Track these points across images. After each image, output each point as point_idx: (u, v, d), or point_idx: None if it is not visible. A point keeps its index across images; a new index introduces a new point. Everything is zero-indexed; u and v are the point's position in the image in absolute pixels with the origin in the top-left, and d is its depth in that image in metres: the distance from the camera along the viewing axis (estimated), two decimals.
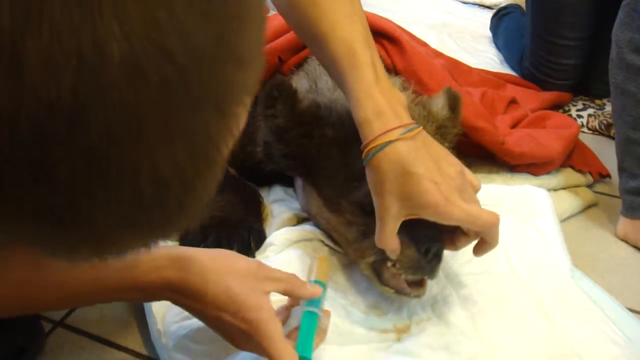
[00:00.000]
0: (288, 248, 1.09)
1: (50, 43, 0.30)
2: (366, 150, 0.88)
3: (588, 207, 1.40)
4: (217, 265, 0.81)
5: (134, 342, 0.99)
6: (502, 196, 1.23)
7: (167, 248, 0.83)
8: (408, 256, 0.92)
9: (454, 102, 1.14)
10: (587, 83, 1.93)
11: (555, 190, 1.39)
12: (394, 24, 1.44)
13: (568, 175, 1.42)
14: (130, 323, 1.02)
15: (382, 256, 0.94)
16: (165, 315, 0.96)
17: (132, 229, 0.39)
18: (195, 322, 0.92)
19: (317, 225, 1.14)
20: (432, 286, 1.04)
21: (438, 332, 0.96)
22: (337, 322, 0.96)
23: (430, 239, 0.92)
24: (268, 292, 0.83)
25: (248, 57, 0.38)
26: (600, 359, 0.94)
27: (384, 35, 1.35)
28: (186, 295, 0.80)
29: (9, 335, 0.91)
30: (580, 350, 0.94)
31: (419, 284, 0.97)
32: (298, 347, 0.83)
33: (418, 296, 0.97)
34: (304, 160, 1.06)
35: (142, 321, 1.02)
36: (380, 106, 0.87)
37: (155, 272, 0.78)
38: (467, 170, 0.94)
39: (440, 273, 1.05)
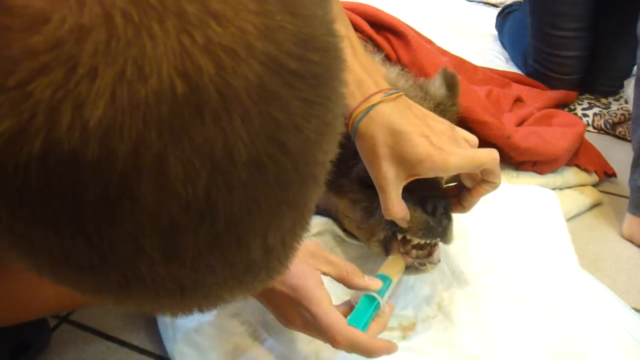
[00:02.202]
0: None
1: (190, 152, 0.33)
2: (351, 120, 0.88)
3: (594, 207, 1.40)
4: None
5: (139, 338, 0.99)
6: (509, 196, 1.22)
7: None
8: (416, 219, 0.91)
9: (451, 81, 1.14)
10: (592, 80, 1.92)
11: (561, 189, 1.39)
12: (398, 19, 1.43)
13: (574, 175, 1.41)
14: (135, 319, 1.02)
15: (392, 230, 0.94)
16: None
17: (239, 288, 0.44)
18: (204, 316, 0.93)
19: (326, 215, 1.13)
20: (438, 284, 1.04)
21: (444, 330, 0.96)
22: None
23: (434, 197, 0.91)
24: (320, 271, 0.82)
25: (337, 125, 0.42)
26: (606, 359, 0.93)
27: (388, 29, 1.35)
28: None
29: (14, 331, 0.91)
30: (586, 350, 0.93)
31: (428, 255, 0.96)
32: (349, 319, 0.80)
33: (427, 266, 0.95)
34: None
35: (147, 317, 1.02)
36: (360, 76, 0.88)
37: None
38: (459, 128, 0.93)
39: (447, 270, 1.05)
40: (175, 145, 0.33)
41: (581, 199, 1.38)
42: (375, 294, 0.84)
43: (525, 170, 1.38)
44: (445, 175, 0.90)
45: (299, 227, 0.43)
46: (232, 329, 0.92)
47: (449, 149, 0.85)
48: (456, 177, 0.97)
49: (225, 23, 0.33)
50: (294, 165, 0.38)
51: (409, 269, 0.96)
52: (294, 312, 0.81)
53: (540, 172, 1.38)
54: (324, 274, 0.83)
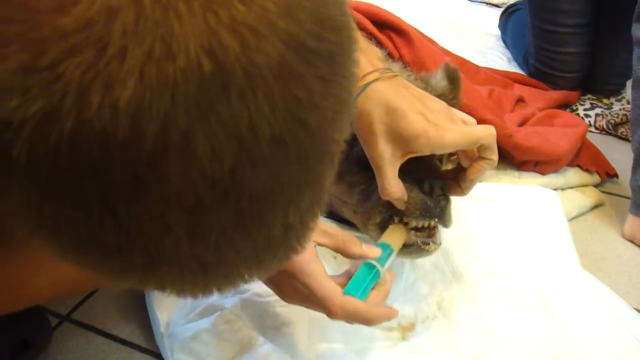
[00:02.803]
0: None
1: (216, 129, 0.34)
2: None
3: (595, 207, 1.39)
4: None
5: (140, 337, 0.99)
6: (511, 196, 1.22)
7: None
8: (413, 199, 0.90)
9: (452, 75, 1.13)
10: (593, 80, 1.92)
11: (562, 189, 1.39)
12: (401, 18, 1.43)
13: (576, 175, 1.41)
14: (136, 318, 1.03)
15: (388, 212, 0.93)
16: (171, 317, 0.97)
17: (258, 267, 0.44)
18: (200, 323, 0.93)
19: (329, 208, 1.13)
20: (438, 284, 1.03)
21: (444, 331, 0.95)
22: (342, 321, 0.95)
23: (431, 177, 0.91)
24: (316, 242, 0.81)
25: (350, 104, 0.43)
26: (607, 359, 0.93)
27: (390, 27, 1.34)
28: None
29: (15, 330, 0.91)
30: (587, 350, 0.93)
31: (430, 235, 0.95)
32: (346, 288, 0.78)
33: (430, 246, 0.94)
34: None
35: (147, 316, 1.02)
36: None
37: None
38: (456, 110, 0.93)
39: (447, 271, 1.05)
40: (202, 122, 0.34)
41: (583, 199, 1.38)
42: (374, 262, 0.82)
43: (527, 170, 1.38)
44: (442, 152, 0.89)
45: (316, 205, 0.44)
46: (230, 336, 0.91)
47: (445, 126, 0.85)
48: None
49: (248, 2, 0.34)
50: (313, 142, 0.39)
51: (412, 248, 0.94)
52: (289, 286, 0.81)
53: (542, 173, 1.38)
54: (320, 245, 0.82)
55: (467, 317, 0.97)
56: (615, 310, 1.02)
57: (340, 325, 0.93)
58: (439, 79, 1.12)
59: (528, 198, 1.22)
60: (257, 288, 0.97)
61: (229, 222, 0.38)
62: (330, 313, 0.76)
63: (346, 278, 0.82)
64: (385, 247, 0.87)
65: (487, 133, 0.87)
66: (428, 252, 0.95)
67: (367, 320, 0.78)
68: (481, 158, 0.90)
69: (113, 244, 0.37)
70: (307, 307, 0.82)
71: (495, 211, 1.17)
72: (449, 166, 1.05)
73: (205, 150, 0.34)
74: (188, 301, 0.97)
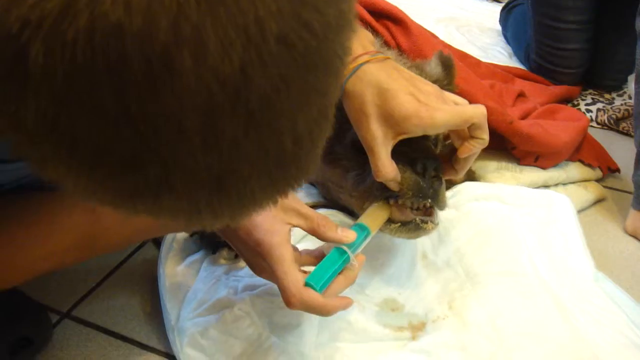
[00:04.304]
0: (302, 241, 1.07)
1: (226, 23, 0.35)
2: None
3: (597, 202, 1.39)
4: None
5: (140, 333, 0.99)
6: (525, 198, 1.20)
7: None
8: (406, 180, 0.90)
9: (446, 62, 1.14)
10: (595, 75, 1.92)
11: (564, 184, 1.38)
12: (397, 7, 1.43)
13: (578, 170, 1.41)
14: (137, 314, 1.02)
15: (383, 195, 0.93)
16: (180, 312, 0.96)
17: (271, 186, 0.45)
18: (209, 319, 0.92)
19: (327, 194, 1.14)
20: (450, 283, 1.02)
21: (455, 331, 0.94)
22: (351, 319, 0.94)
23: (423, 157, 0.91)
24: (290, 225, 0.82)
25: (351, 19, 0.44)
26: None
27: (387, 17, 1.34)
28: None
29: (16, 327, 0.91)
30: (601, 353, 0.91)
31: (427, 214, 0.95)
32: (310, 276, 0.79)
33: (428, 225, 0.94)
34: None
35: (148, 312, 1.02)
36: None
37: None
38: (449, 92, 0.93)
39: (460, 270, 1.04)
40: (212, 15, 0.35)
41: (585, 194, 1.37)
42: (345, 247, 0.82)
43: (528, 164, 1.37)
44: (433, 132, 0.90)
45: (323, 119, 0.45)
46: (238, 333, 0.91)
47: (436, 106, 0.86)
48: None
49: None
50: (318, 48, 0.40)
51: (410, 226, 0.94)
52: (259, 265, 0.82)
53: (543, 167, 1.37)
54: (295, 226, 0.83)
55: (479, 318, 0.96)
56: (631, 313, 1.00)
57: (349, 324, 0.93)
58: (433, 66, 1.12)
59: (542, 202, 1.20)
60: (267, 286, 0.96)
61: (241, 127, 0.39)
62: (288, 304, 0.77)
63: (317, 258, 0.84)
64: (362, 229, 0.87)
65: (477, 112, 0.88)
66: (426, 231, 0.95)
67: (323, 313, 0.80)
68: (472, 137, 0.90)
69: (129, 153, 0.38)
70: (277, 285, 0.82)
71: (509, 212, 1.16)
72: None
73: (215, 46, 0.35)
74: (198, 295, 0.97)
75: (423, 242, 1.08)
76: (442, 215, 0.98)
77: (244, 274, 1.00)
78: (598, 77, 1.92)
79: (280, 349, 0.89)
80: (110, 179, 0.40)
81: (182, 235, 1.09)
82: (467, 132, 0.90)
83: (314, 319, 0.92)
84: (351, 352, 0.90)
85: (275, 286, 0.93)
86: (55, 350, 0.96)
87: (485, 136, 0.90)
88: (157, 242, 1.14)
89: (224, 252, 1.05)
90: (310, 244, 0.96)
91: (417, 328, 0.95)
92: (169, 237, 1.07)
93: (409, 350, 0.91)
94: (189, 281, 1.02)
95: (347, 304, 0.83)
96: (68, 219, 0.76)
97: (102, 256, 1.11)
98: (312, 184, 1.20)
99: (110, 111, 0.36)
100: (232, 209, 0.45)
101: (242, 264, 1.03)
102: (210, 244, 1.06)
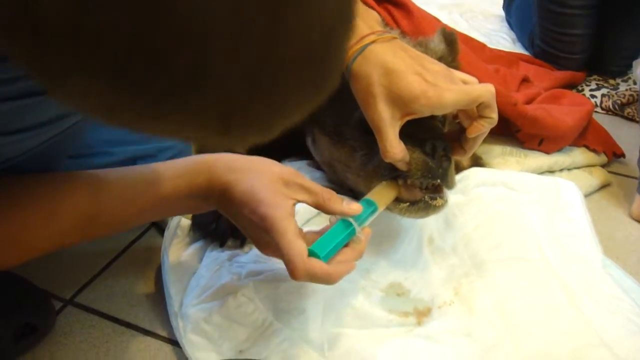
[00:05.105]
0: (307, 224, 1.06)
1: None
2: (345, 60, 0.87)
3: (603, 187, 1.39)
4: (248, 165, 0.82)
5: (144, 319, 0.99)
6: (532, 185, 1.19)
7: (195, 156, 0.85)
8: (415, 160, 0.90)
9: (449, 38, 1.13)
10: (600, 61, 1.91)
11: (569, 169, 1.38)
12: None
13: (582, 155, 1.40)
14: (140, 301, 1.02)
15: (391, 175, 0.93)
16: (184, 298, 0.96)
17: (299, 88, 0.44)
18: (212, 305, 0.92)
19: (333, 175, 1.14)
20: (456, 269, 1.01)
21: (460, 317, 0.93)
22: (356, 305, 0.94)
23: (433, 138, 0.90)
24: (295, 200, 0.81)
25: None
26: (629, 349, 0.90)
27: (389, 1, 1.33)
28: (218, 197, 0.81)
29: (19, 314, 0.91)
30: (609, 340, 0.91)
31: (436, 191, 0.94)
32: (314, 244, 0.78)
33: (437, 201, 0.93)
34: None
35: (151, 299, 1.02)
36: None
37: (181, 178, 0.81)
38: (457, 71, 0.93)
39: (466, 256, 1.03)
40: None
41: (590, 179, 1.37)
42: (351, 219, 0.81)
43: (531, 148, 1.37)
44: (441, 112, 0.89)
45: (346, 20, 0.45)
46: (242, 319, 0.90)
47: (444, 85, 0.85)
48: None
49: None
50: None
51: (419, 205, 0.93)
52: (264, 240, 0.82)
53: (547, 151, 1.37)
54: (299, 201, 0.82)
55: (485, 304, 0.95)
56: (638, 299, 0.99)
57: (354, 310, 0.93)
58: (437, 43, 1.12)
59: (550, 188, 1.19)
60: (271, 272, 0.96)
61: (269, 15, 0.38)
62: (293, 275, 0.76)
63: (320, 234, 0.82)
64: (370, 204, 0.86)
65: (485, 90, 0.87)
66: (435, 208, 0.94)
67: (328, 281, 0.78)
68: (481, 117, 0.90)
69: (158, 44, 0.37)
70: (281, 259, 0.81)
71: (516, 198, 1.15)
72: None
73: None
74: (201, 282, 0.96)
75: (430, 227, 1.08)
76: (449, 200, 0.97)
77: (248, 259, 1.00)
78: (603, 62, 1.92)
79: (285, 335, 0.89)
80: (138, 80, 0.39)
81: (186, 222, 1.08)
82: (475, 111, 0.90)
83: (319, 304, 0.92)
84: (356, 338, 0.90)
85: (279, 272, 0.92)
86: (59, 337, 0.95)
87: (494, 115, 0.89)
88: (161, 229, 1.14)
89: (229, 242, 1.05)
90: (316, 228, 0.95)
91: (422, 314, 0.95)
92: (173, 224, 1.07)
93: (414, 336, 0.91)
94: (192, 268, 1.01)
95: (350, 268, 0.81)
96: (69, 198, 0.76)
97: (105, 242, 1.11)
98: (318, 168, 1.19)
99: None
100: (261, 114, 0.44)
101: (246, 249, 1.03)
102: (217, 236, 1.05)
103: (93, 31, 0.36)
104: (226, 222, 1.03)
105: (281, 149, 1.24)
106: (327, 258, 0.78)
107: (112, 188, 0.80)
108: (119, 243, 1.14)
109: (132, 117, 0.42)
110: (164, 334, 0.96)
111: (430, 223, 1.07)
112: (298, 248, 0.76)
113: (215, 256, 1.02)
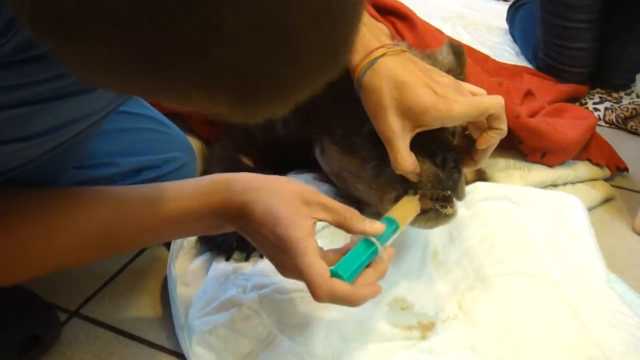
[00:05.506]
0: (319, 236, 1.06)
1: None
2: (356, 74, 0.88)
3: (606, 201, 1.38)
4: (267, 184, 0.81)
5: (149, 332, 0.99)
6: (536, 199, 1.20)
7: (214, 175, 0.84)
8: (426, 172, 0.91)
9: (457, 50, 1.14)
10: (603, 74, 1.91)
11: (572, 183, 1.38)
12: (403, 3, 1.43)
13: (586, 169, 1.40)
14: (145, 313, 1.02)
15: (403, 187, 0.93)
16: (189, 310, 0.96)
17: (319, 47, 0.44)
18: (218, 317, 0.92)
19: (342, 186, 1.13)
20: (460, 283, 1.02)
21: (464, 332, 0.93)
22: (361, 319, 0.94)
23: (443, 150, 0.91)
24: (315, 219, 0.79)
25: None
26: None
27: (393, 13, 1.34)
28: (236, 217, 0.80)
29: (24, 325, 0.91)
30: (612, 355, 0.90)
31: (446, 200, 0.94)
32: (336, 265, 0.76)
33: (448, 209, 0.94)
34: (318, 113, 1.05)
35: (156, 311, 1.02)
36: (362, 33, 0.89)
37: (197, 198, 0.80)
38: (465, 83, 0.93)
39: (470, 270, 1.03)
40: None
41: (593, 193, 1.37)
42: (373, 239, 0.80)
43: (534, 161, 1.37)
44: (451, 124, 0.90)
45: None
46: (247, 331, 0.91)
47: (454, 98, 0.86)
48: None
49: None
50: None
51: (429, 214, 0.94)
52: (284, 261, 0.80)
53: (549, 164, 1.37)
54: (320, 220, 0.80)
55: (489, 318, 0.95)
56: None
57: (358, 324, 0.93)
58: (445, 55, 1.13)
59: (553, 203, 1.20)
60: (276, 285, 0.96)
61: None
62: (315, 297, 0.74)
63: (344, 255, 0.80)
64: (391, 223, 0.85)
65: (495, 102, 0.88)
66: (446, 217, 0.94)
67: (351, 303, 0.77)
68: (490, 128, 0.90)
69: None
70: (301, 281, 0.80)
71: (520, 212, 1.16)
72: None
73: None
74: (207, 294, 0.97)
75: (434, 241, 1.08)
76: (458, 210, 0.98)
77: (253, 272, 1.00)
78: (606, 76, 1.92)
79: (289, 349, 0.89)
80: (152, 33, 0.38)
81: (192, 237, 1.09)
82: (485, 123, 0.90)
83: (323, 318, 0.92)
84: (360, 352, 0.90)
85: (284, 285, 0.92)
86: (64, 349, 0.96)
87: (504, 126, 0.90)
88: (167, 242, 1.14)
89: (235, 255, 1.05)
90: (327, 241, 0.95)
91: (426, 328, 0.95)
92: None
93: (418, 350, 0.90)
94: (198, 280, 1.02)
95: (375, 291, 0.79)
96: (85, 214, 0.76)
97: None
98: (325, 180, 1.19)
99: None
100: (278, 77, 0.44)
101: (251, 263, 1.04)
102: (223, 249, 1.05)
103: None
104: (232, 235, 1.03)
105: (287, 162, 1.24)
106: (351, 279, 0.76)
107: (128, 205, 0.79)
108: (125, 255, 1.14)
109: (147, 73, 0.41)
110: (169, 346, 0.96)
111: (435, 237, 1.08)
112: (319, 269, 0.74)
113: (221, 269, 1.02)
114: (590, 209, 1.33)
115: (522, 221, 1.13)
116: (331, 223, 0.81)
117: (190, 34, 0.38)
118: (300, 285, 0.87)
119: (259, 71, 0.42)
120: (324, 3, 0.41)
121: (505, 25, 2.32)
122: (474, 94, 0.92)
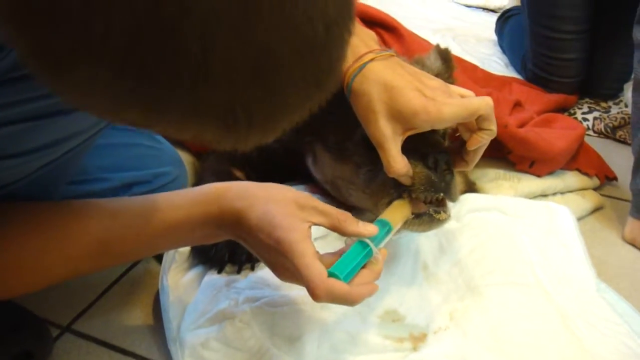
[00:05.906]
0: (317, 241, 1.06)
1: None
2: (345, 79, 0.89)
3: (595, 210, 1.39)
4: (261, 191, 0.82)
5: (141, 345, 0.99)
6: (525, 210, 1.21)
7: (208, 185, 0.85)
8: (418, 175, 0.92)
9: (445, 55, 1.16)
10: (591, 84, 1.93)
11: (562, 193, 1.39)
12: (389, 15, 1.44)
13: (575, 179, 1.41)
14: (137, 328, 1.02)
15: (397, 191, 0.94)
16: (181, 323, 0.96)
17: (303, 81, 0.46)
18: (210, 330, 0.92)
19: (336, 194, 1.14)
20: (451, 294, 1.02)
21: (456, 343, 0.93)
22: (352, 331, 0.94)
23: (435, 152, 0.92)
24: (310, 223, 0.81)
25: None
26: None
27: (379, 24, 1.35)
28: (232, 224, 0.81)
29: (16, 340, 0.90)
30: None
31: (440, 205, 0.95)
32: (333, 266, 0.78)
33: (441, 215, 0.95)
34: (309, 121, 1.06)
35: (148, 326, 1.02)
36: (351, 40, 0.91)
37: (193, 207, 0.81)
38: (454, 86, 0.94)
39: (461, 282, 1.04)
40: None
41: (583, 203, 1.38)
42: (368, 241, 0.81)
43: (523, 170, 1.38)
44: (441, 127, 0.92)
45: (349, 9, 0.48)
46: (239, 344, 0.91)
47: (443, 100, 0.87)
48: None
49: None
50: None
51: (423, 218, 0.95)
52: (282, 265, 0.81)
53: (538, 174, 1.38)
54: (315, 224, 0.82)
55: (480, 329, 0.96)
56: (634, 324, 1.00)
57: (350, 336, 0.93)
58: (433, 60, 1.14)
59: (543, 213, 1.21)
60: (268, 298, 0.96)
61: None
62: (314, 296, 0.76)
63: (339, 257, 0.81)
64: (384, 225, 0.87)
65: (484, 103, 0.89)
66: (440, 222, 0.96)
67: (349, 302, 0.78)
68: (480, 129, 0.91)
69: (166, 25, 0.38)
70: (298, 284, 0.81)
71: (510, 223, 1.17)
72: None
73: None
74: (199, 307, 0.97)
75: (424, 253, 1.08)
76: (451, 215, 0.99)
77: (245, 285, 1.00)
78: (594, 86, 1.94)
79: None
80: (145, 67, 0.40)
81: (185, 248, 1.09)
82: (474, 124, 0.92)
83: (315, 330, 0.92)
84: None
85: (276, 298, 0.92)
86: None
87: (493, 127, 0.91)
88: (159, 255, 1.14)
89: (226, 267, 1.06)
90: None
91: (418, 339, 0.95)
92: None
93: None
94: (190, 293, 1.02)
95: (372, 289, 0.81)
96: (82, 225, 0.77)
97: None
98: (317, 191, 1.20)
99: None
100: (265, 107, 0.45)
101: (243, 275, 1.04)
102: (216, 262, 1.05)
103: (102, 23, 0.38)
104: (225, 248, 1.04)
105: (278, 174, 1.25)
106: (348, 279, 0.78)
107: (124, 216, 0.80)
108: (116, 269, 1.14)
109: (137, 109, 0.43)
110: (161, 359, 0.96)
111: (425, 249, 1.08)
112: (317, 269, 0.76)
113: (213, 281, 1.02)
114: (580, 219, 1.34)
115: (513, 232, 1.14)
116: (326, 226, 0.83)
117: (180, 74, 0.40)
118: (291, 297, 0.88)
119: (245, 105, 0.44)
120: (308, 38, 0.43)
121: (494, 37, 2.34)
122: (462, 96, 0.93)
